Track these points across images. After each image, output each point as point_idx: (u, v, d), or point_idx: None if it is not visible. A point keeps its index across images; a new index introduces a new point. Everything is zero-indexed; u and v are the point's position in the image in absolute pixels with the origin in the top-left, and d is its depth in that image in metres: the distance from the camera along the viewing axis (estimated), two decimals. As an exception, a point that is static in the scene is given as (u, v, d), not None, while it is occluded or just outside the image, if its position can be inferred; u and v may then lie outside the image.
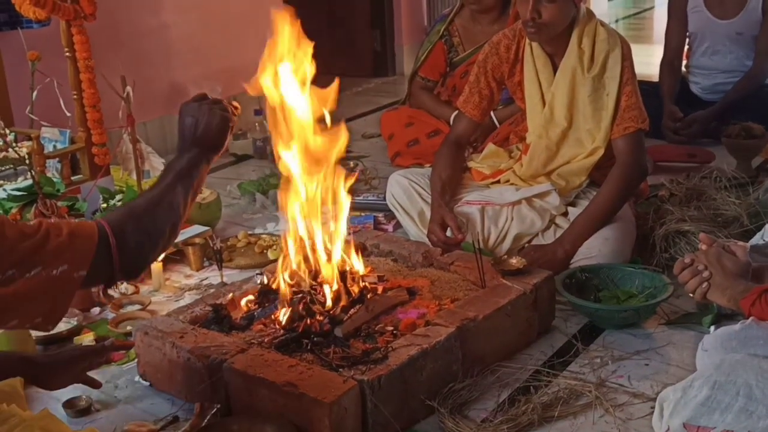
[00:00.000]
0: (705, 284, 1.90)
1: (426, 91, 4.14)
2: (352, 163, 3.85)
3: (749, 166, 3.63)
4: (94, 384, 2.09)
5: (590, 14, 2.81)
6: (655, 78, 4.42)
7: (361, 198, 3.48)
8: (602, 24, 2.80)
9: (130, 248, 1.53)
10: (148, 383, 2.23)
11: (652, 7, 9.71)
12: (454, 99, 3.72)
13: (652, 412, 1.78)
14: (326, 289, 2.24)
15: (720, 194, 3.03)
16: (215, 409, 2.01)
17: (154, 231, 1.59)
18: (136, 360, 2.26)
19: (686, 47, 4.47)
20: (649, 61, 4.92)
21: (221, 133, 1.79)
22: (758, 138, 3.65)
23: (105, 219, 1.54)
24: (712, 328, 2.27)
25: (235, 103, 1.87)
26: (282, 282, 2.26)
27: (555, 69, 2.82)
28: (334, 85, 2.18)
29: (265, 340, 2.13)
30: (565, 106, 2.81)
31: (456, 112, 3.22)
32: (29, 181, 2.89)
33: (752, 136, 3.65)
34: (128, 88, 2.96)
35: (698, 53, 4.37)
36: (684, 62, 4.49)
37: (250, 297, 2.34)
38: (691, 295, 1.95)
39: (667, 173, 3.53)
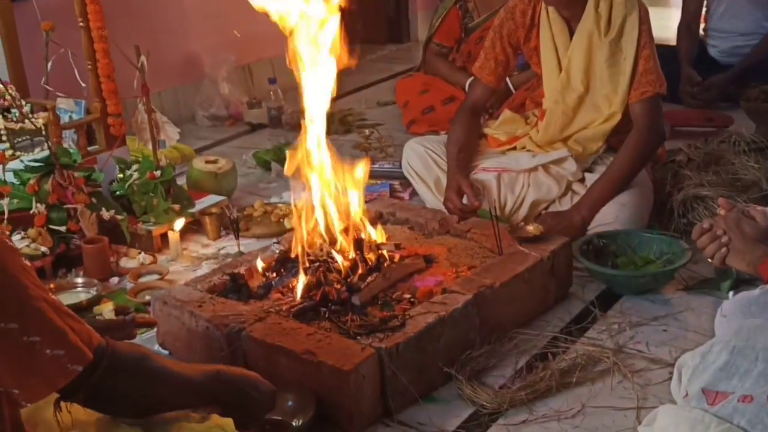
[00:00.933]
0: (724, 249, 1.88)
1: (441, 57, 4.12)
2: (367, 131, 3.84)
3: (768, 130, 3.59)
4: None
5: (607, -23, 2.77)
6: (673, 42, 4.38)
7: (376, 166, 3.46)
8: (620, -13, 2.76)
9: (108, 387, 1.43)
10: (167, 352, 2.25)
11: (670, -30, 9.57)
12: (469, 65, 3.69)
13: (671, 377, 1.78)
14: (343, 257, 2.24)
15: (739, 158, 3.01)
16: (234, 378, 2.03)
17: (143, 397, 1.50)
18: (155, 329, 2.28)
19: (704, 10, 4.41)
20: (666, 25, 4.87)
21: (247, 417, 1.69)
22: (777, 101, 3.62)
23: (117, 346, 1.45)
24: (731, 293, 2.27)
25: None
26: (299, 250, 2.27)
27: (571, 34, 2.79)
28: None
29: (283, 308, 2.14)
30: (582, 71, 2.78)
31: (471, 78, 3.20)
32: (46, 152, 2.90)
33: (771, 99, 3.62)
34: (142, 58, 2.95)
35: (716, 16, 4.32)
36: (702, 25, 4.43)
37: (268, 265, 2.34)
38: (710, 260, 1.93)
39: (684, 138, 3.50)
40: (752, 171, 2.89)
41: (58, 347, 1.33)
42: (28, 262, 1.38)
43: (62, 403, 1.44)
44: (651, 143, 2.77)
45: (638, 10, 2.73)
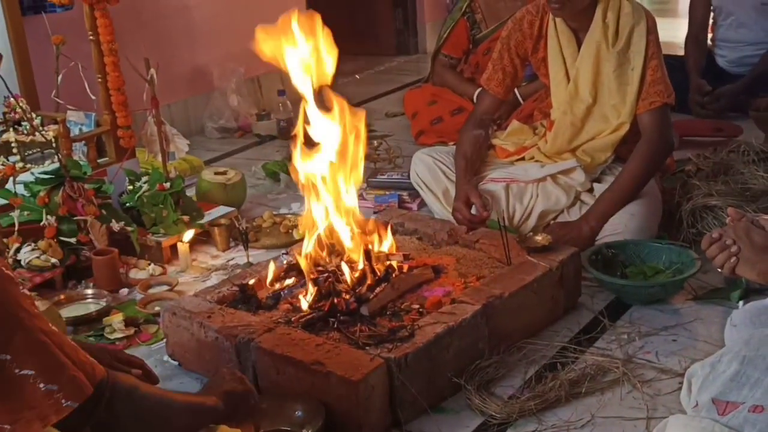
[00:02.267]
0: (733, 259, 1.87)
1: (449, 68, 4.13)
2: (375, 142, 3.84)
3: (777, 140, 3.59)
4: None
5: (614, -12, 2.78)
6: (681, 52, 4.37)
7: (385, 177, 3.48)
8: (627, -3, 2.77)
9: (114, 418, 1.37)
10: (176, 363, 2.26)
11: (677, -20, 9.57)
12: (477, 76, 3.70)
13: (680, 387, 1.78)
14: (351, 268, 2.24)
15: (748, 168, 3.00)
16: (244, 388, 2.03)
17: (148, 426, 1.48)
18: (164, 340, 2.28)
19: (711, 20, 4.41)
20: (674, 35, 4.87)
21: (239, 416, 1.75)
22: (787, 111, 3.61)
23: (116, 377, 1.39)
24: (741, 302, 2.26)
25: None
26: (308, 261, 2.27)
27: (579, 44, 2.80)
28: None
29: (292, 319, 2.14)
30: (590, 82, 2.78)
31: (479, 89, 3.21)
32: (56, 165, 2.92)
33: (780, 109, 3.61)
34: (152, 71, 2.97)
35: (724, 26, 4.31)
36: (709, 35, 4.43)
37: (277, 276, 2.35)
38: (720, 269, 1.93)
39: (693, 148, 3.50)
40: (761, 180, 2.89)
41: (52, 381, 1.27)
42: (27, 291, 1.33)
43: None
44: (659, 153, 2.77)
45: (646, 20, 2.73)
